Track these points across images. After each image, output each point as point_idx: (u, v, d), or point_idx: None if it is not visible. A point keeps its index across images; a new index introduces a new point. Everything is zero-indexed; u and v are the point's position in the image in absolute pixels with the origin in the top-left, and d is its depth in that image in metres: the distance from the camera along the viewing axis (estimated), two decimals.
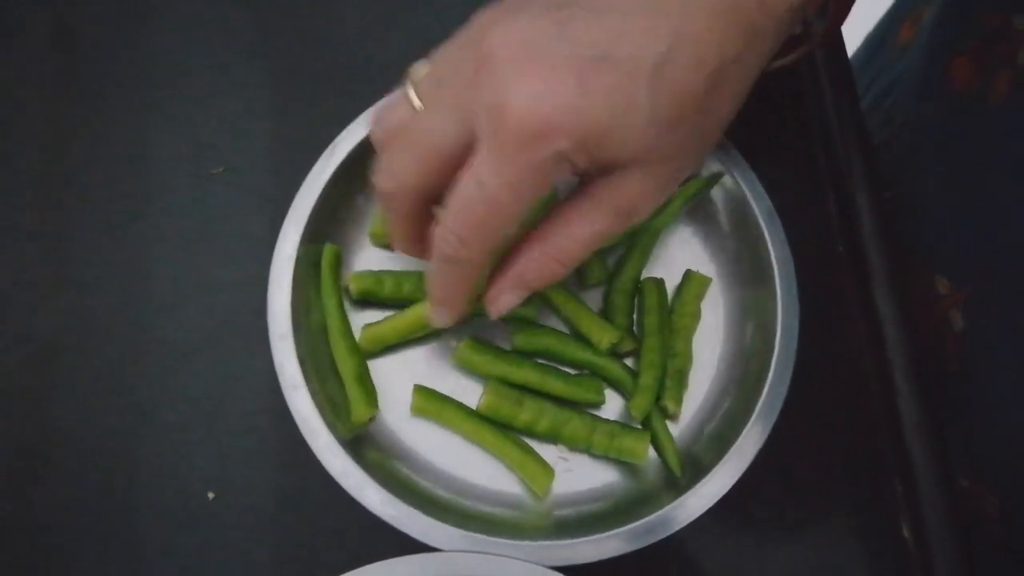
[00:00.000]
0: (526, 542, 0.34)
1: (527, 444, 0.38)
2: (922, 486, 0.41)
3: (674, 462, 0.37)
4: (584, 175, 0.31)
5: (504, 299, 0.33)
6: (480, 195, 0.29)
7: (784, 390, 0.36)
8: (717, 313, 0.40)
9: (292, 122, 0.45)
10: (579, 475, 0.38)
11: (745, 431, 0.35)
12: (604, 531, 0.34)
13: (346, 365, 0.37)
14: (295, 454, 0.37)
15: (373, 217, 0.40)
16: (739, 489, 0.35)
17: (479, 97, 0.29)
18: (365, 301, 0.39)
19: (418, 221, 0.33)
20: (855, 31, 0.60)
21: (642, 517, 0.34)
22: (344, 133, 0.38)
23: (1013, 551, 0.46)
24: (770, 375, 0.36)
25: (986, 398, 0.45)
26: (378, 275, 0.39)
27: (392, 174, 0.32)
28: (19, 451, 0.41)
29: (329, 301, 0.38)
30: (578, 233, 0.32)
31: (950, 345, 0.46)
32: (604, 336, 0.38)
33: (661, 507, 0.34)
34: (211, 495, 0.40)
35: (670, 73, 0.29)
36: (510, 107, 0.28)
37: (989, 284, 0.44)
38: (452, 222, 0.30)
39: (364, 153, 0.37)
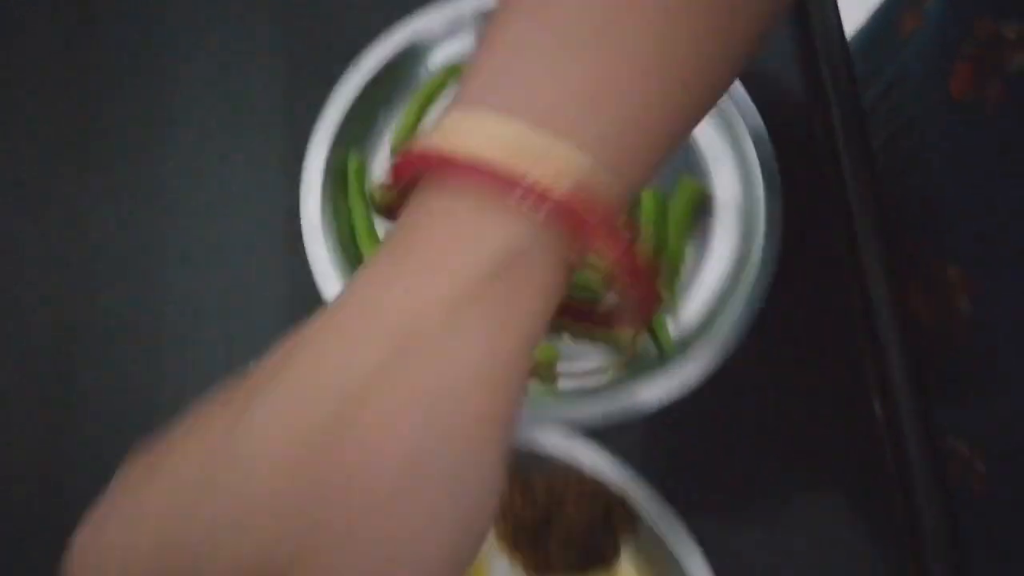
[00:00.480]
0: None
1: None
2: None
3: (666, 341, 0.40)
4: None
5: None
6: None
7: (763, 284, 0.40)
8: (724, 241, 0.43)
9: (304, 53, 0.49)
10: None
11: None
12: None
13: None
14: None
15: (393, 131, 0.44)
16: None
17: None
18: None
19: None
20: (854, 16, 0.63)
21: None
22: (365, 54, 0.43)
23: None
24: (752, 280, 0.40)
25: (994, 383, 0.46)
26: None
27: None
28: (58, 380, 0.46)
29: (356, 206, 0.42)
30: None
31: (957, 331, 0.47)
32: None
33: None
34: None
35: None
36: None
37: (998, 271, 0.45)
38: None
39: (383, 73, 0.42)
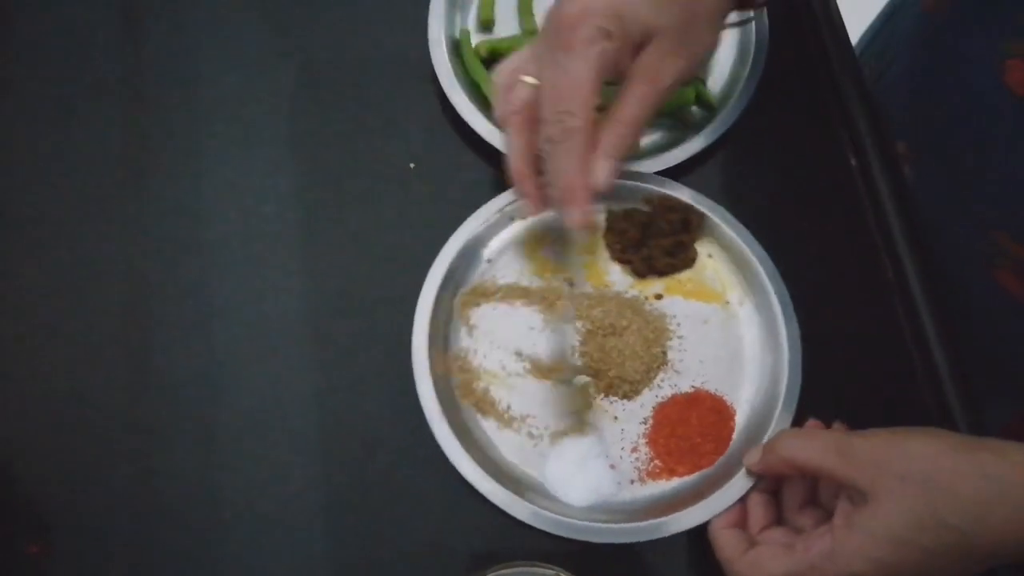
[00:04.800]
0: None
1: None
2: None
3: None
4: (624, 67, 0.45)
5: (599, 169, 0.45)
6: (563, 77, 0.43)
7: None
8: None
9: None
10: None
11: None
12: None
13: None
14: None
15: None
16: None
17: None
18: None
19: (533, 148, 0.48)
20: None
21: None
22: None
23: None
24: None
25: None
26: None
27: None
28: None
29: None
30: (629, 102, 0.45)
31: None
32: None
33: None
34: None
35: None
36: (557, 10, 0.44)
37: None
38: (551, 104, 0.44)
39: None
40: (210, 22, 0.60)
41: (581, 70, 0.43)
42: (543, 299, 0.54)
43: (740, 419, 0.51)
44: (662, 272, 0.54)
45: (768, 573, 0.42)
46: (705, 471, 0.50)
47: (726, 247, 0.54)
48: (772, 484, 0.46)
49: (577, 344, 0.53)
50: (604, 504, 0.48)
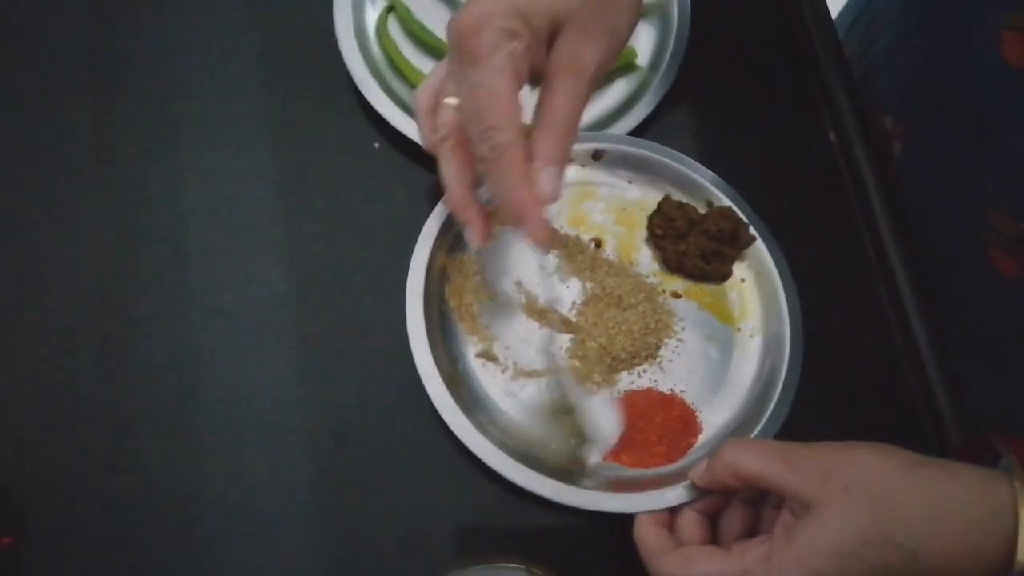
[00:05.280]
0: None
1: None
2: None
3: None
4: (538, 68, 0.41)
5: (543, 180, 0.40)
6: (479, 91, 0.38)
7: None
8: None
9: None
10: None
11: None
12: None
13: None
14: None
15: None
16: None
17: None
18: None
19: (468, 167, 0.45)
20: None
21: None
22: None
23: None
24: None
25: None
26: None
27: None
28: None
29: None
30: (556, 99, 0.40)
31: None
32: None
33: None
34: None
35: None
36: (455, 23, 0.39)
37: None
38: (475, 124, 0.39)
39: None
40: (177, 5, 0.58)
41: (495, 80, 0.38)
42: (565, 247, 0.52)
43: (703, 439, 0.48)
44: (690, 274, 0.52)
45: (700, 571, 0.39)
46: (650, 470, 0.47)
47: (762, 277, 0.52)
48: (712, 506, 0.43)
49: (579, 302, 0.51)
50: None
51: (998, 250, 0.48)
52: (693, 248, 0.51)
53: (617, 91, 0.57)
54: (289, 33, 0.57)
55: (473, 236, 0.45)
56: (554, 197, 0.40)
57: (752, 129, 0.57)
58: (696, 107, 0.57)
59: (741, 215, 0.52)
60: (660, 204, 0.53)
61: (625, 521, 0.44)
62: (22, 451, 0.47)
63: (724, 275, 0.52)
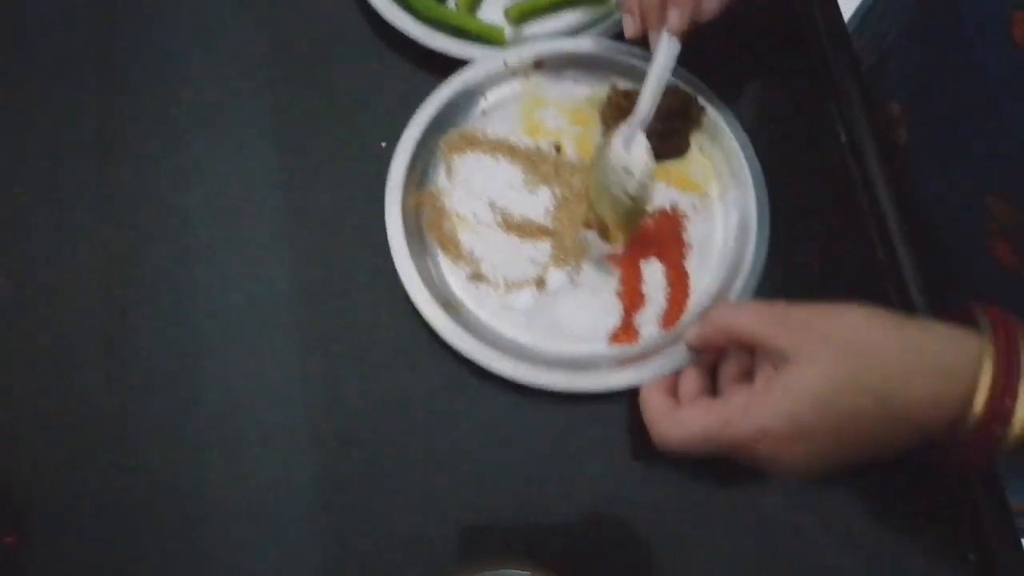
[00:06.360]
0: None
1: None
2: None
3: None
4: None
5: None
6: None
7: None
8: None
9: None
10: None
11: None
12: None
13: None
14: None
15: None
16: None
17: None
18: None
19: None
20: None
21: None
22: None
23: None
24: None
25: None
26: None
27: None
28: None
29: None
30: None
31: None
32: None
33: None
34: None
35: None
36: None
37: None
38: None
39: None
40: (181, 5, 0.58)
41: None
42: (528, 159, 0.54)
43: (693, 303, 0.51)
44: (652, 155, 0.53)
45: (689, 430, 0.42)
46: (647, 341, 0.50)
47: (717, 141, 0.54)
48: (709, 361, 0.46)
49: (551, 208, 0.53)
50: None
51: (998, 238, 0.49)
52: (648, 129, 0.53)
53: None
54: (295, 32, 0.58)
55: (628, 25, 0.51)
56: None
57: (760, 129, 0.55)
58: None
59: (687, 89, 0.53)
60: (608, 96, 0.54)
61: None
62: (23, 451, 0.47)
63: (682, 149, 0.54)
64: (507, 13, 0.58)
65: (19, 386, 0.49)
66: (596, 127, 0.55)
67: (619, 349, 0.50)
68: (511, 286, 0.51)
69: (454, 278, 0.51)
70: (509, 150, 0.54)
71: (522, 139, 0.55)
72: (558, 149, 0.54)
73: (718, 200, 0.53)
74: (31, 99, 0.55)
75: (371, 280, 0.51)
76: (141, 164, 0.54)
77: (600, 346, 0.50)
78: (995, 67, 0.47)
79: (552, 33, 0.57)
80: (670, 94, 0.53)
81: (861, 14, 0.69)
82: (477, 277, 0.51)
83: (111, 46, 0.57)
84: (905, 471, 0.45)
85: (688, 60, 0.52)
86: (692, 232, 0.52)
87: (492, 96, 0.55)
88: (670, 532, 0.46)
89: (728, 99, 0.54)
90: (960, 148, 0.51)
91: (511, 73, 0.55)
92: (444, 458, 0.48)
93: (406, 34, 0.55)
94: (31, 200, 0.53)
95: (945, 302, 0.50)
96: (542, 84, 0.55)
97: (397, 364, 0.49)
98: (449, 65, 0.54)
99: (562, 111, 0.55)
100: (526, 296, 0.51)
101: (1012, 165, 0.48)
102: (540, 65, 0.55)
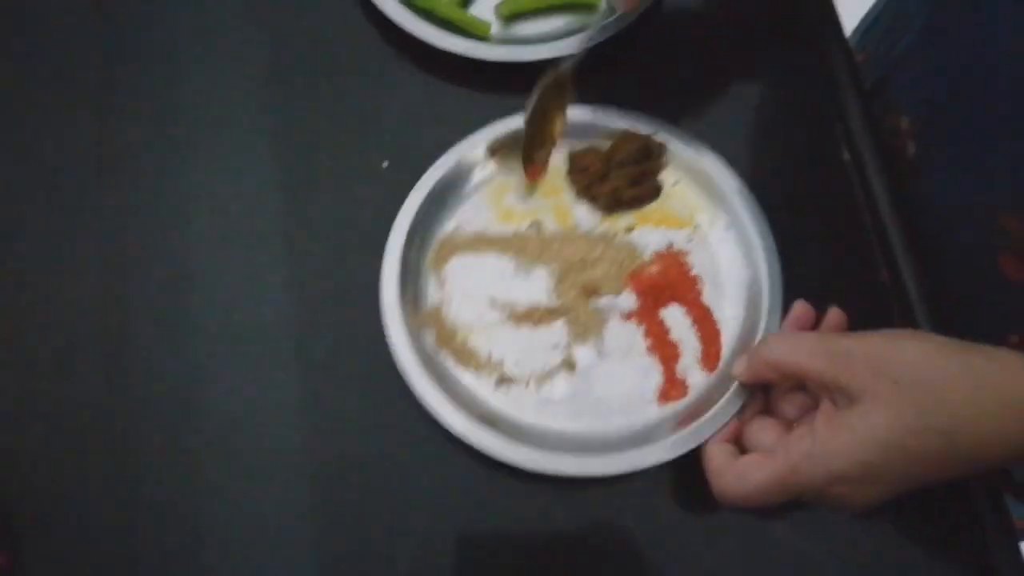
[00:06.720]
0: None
1: None
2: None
3: None
4: None
5: None
6: None
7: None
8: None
9: None
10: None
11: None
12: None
13: None
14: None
15: None
16: None
17: None
18: None
19: None
20: None
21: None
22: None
23: None
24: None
25: None
26: None
27: None
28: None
29: None
30: None
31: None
32: None
33: None
34: None
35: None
36: None
37: None
38: None
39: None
40: (183, 8, 0.58)
41: None
42: (512, 246, 0.52)
43: (727, 337, 0.50)
44: (629, 204, 0.53)
45: (754, 483, 0.40)
46: (698, 389, 0.48)
47: (691, 171, 0.53)
48: (761, 401, 0.45)
49: (552, 285, 0.51)
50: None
51: (1008, 254, 0.48)
52: (619, 181, 0.52)
53: None
54: (297, 49, 0.57)
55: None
56: None
57: (762, 140, 0.56)
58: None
59: (639, 129, 0.53)
60: (570, 160, 0.54)
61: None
62: (19, 470, 0.47)
63: (657, 189, 0.53)
64: (497, 10, 0.58)
65: (15, 406, 0.48)
66: (567, 192, 0.54)
67: (672, 408, 0.48)
68: (542, 378, 0.49)
69: (482, 390, 0.49)
70: (491, 243, 0.53)
71: (499, 228, 0.53)
72: (538, 227, 0.53)
73: (710, 228, 0.52)
74: (29, 104, 0.54)
75: (379, 306, 0.49)
76: (140, 176, 0.53)
77: (652, 409, 0.48)
78: (1010, 81, 0.46)
79: (540, 35, 0.57)
80: (627, 139, 0.53)
81: (863, 28, 0.68)
82: (504, 381, 0.49)
83: (110, 54, 0.56)
84: (913, 499, 0.44)
85: (688, 81, 0.53)
86: (697, 266, 0.52)
87: (457, 198, 0.53)
88: (677, 559, 0.46)
89: (723, 120, 0.54)
90: (974, 163, 0.50)
91: (467, 168, 0.53)
92: (454, 484, 0.47)
93: (390, 19, 0.55)
94: (29, 219, 0.52)
95: (952, 321, 0.50)
96: (500, 170, 0.54)
97: (403, 391, 0.47)
98: (450, 65, 0.55)
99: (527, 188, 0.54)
100: (560, 384, 0.49)
101: None
102: (494, 151, 0.54)
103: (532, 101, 0.51)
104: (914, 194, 0.54)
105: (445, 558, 0.46)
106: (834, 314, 0.46)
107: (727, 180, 0.52)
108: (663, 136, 0.53)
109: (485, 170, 0.54)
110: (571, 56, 0.51)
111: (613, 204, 0.53)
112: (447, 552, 0.46)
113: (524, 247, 0.52)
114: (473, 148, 0.53)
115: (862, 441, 0.37)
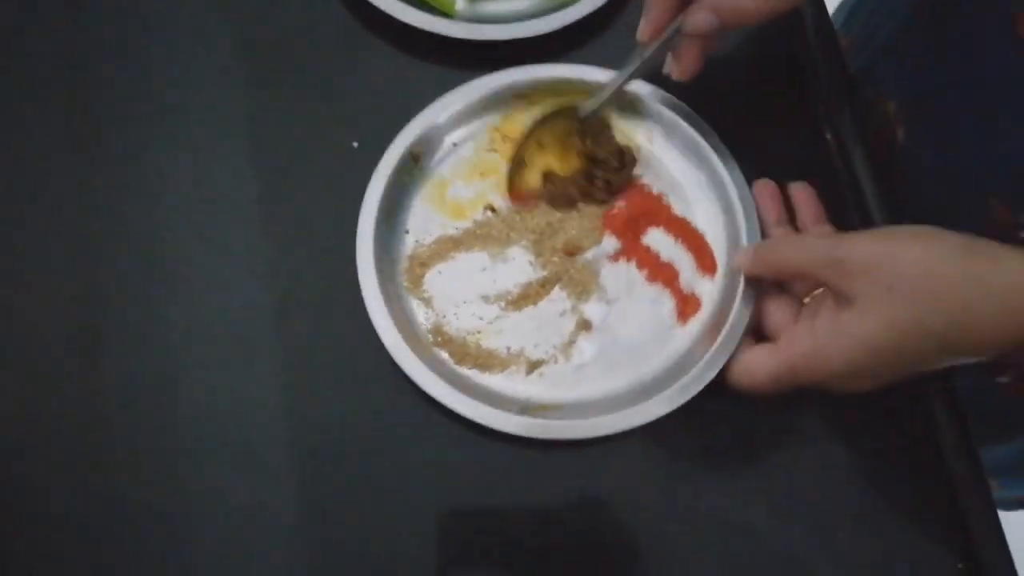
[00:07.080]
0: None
1: None
2: None
3: None
4: None
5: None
6: None
7: None
8: None
9: None
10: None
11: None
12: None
13: None
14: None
15: None
16: None
17: None
18: None
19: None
20: None
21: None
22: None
23: None
24: None
25: None
26: None
27: None
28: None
29: None
30: None
31: None
32: None
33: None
34: None
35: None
36: None
37: None
38: None
39: None
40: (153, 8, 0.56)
41: None
42: (477, 237, 0.51)
43: (713, 238, 0.51)
44: (604, 194, 0.52)
45: (757, 377, 0.43)
46: (711, 297, 0.50)
47: (619, 104, 0.53)
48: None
49: (533, 258, 0.51)
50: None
51: (995, 239, 0.46)
52: (582, 173, 0.52)
53: None
54: (264, 34, 0.56)
55: (644, 27, 0.47)
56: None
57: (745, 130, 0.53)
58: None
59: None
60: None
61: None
62: None
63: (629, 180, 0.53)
64: None
65: None
66: (503, 167, 0.53)
67: (698, 326, 0.49)
68: (566, 348, 0.49)
69: (521, 384, 0.48)
70: (455, 243, 0.51)
71: (456, 225, 0.51)
72: (493, 209, 0.52)
73: (651, 144, 0.53)
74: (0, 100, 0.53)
75: (354, 292, 0.48)
76: (105, 161, 0.52)
77: (679, 333, 0.49)
78: (1000, 65, 0.46)
79: (507, 14, 0.55)
80: (603, 139, 0.53)
81: (847, 9, 0.67)
82: (534, 366, 0.48)
83: (84, 44, 0.55)
84: (895, 483, 0.47)
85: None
86: (656, 185, 0.52)
87: (404, 212, 0.51)
88: (656, 543, 0.46)
89: (705, 105, 0.53)
90: (961, 148, 0.51)
91: (402, 182, 0.51)
92: (440, 477, 0.47)
93: None
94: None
95: None
96: (429, 169, 0.52)
97: (383, 379, 0.47)
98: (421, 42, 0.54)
99: (466, 177, 0.52)
100: (585, 345, 0.49)
101: (1014, 166, 0.48)
102: (417, 158, 0.52)
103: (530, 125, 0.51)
104: (903, 179, 0.54)
105: (476, 538, 0.46)
106: (800, 191, 0.49)
107: (654, 96, 0.52)
108: (602, 76, 0.52)
109: (420, 171, 0.52)
110: (594, 99, 0.51)
111: (584, 195, 0.52)
112: (474, 532, 0.46)
113: (489, 234, 0.51)
114: (397, 153, 0.51)
115: (856, 347, 0.39)
